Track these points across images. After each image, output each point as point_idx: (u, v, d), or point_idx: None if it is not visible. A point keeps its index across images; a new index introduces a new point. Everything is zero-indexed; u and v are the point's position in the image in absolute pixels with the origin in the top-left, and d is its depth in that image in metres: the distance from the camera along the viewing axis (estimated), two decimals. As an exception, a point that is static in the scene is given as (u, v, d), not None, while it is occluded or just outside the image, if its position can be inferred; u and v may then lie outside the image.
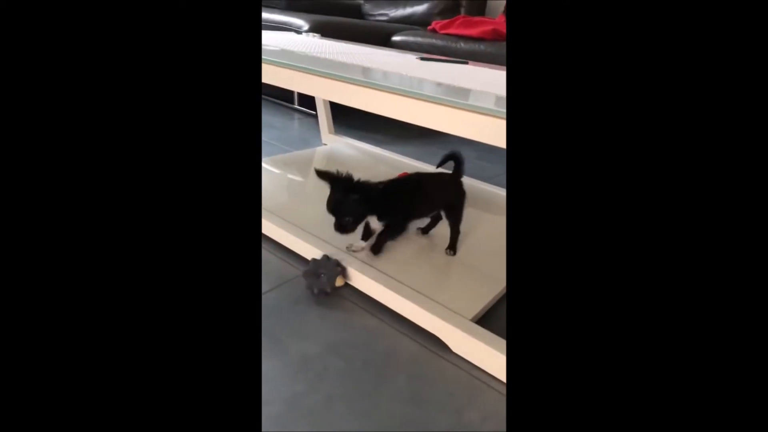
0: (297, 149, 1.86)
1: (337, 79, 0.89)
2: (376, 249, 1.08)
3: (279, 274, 1.08)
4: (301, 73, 0.95)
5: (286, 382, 0.79)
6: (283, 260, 1.14)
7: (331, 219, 0.99)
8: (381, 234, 1.07)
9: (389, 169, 1.61)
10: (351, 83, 0.87)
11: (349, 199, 0.97)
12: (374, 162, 1.71)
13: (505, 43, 2.16)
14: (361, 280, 1.00)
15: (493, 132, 0.69)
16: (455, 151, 1.14)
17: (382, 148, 1.86)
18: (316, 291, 0.98)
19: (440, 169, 1.17)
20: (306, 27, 2.10)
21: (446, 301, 0.93)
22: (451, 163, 1.15)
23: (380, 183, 1.03)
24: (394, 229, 1.08)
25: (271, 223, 1.17)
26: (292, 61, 1.00)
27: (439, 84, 0.90)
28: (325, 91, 0.92)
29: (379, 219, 1.05)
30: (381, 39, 2.34)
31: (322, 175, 0.99)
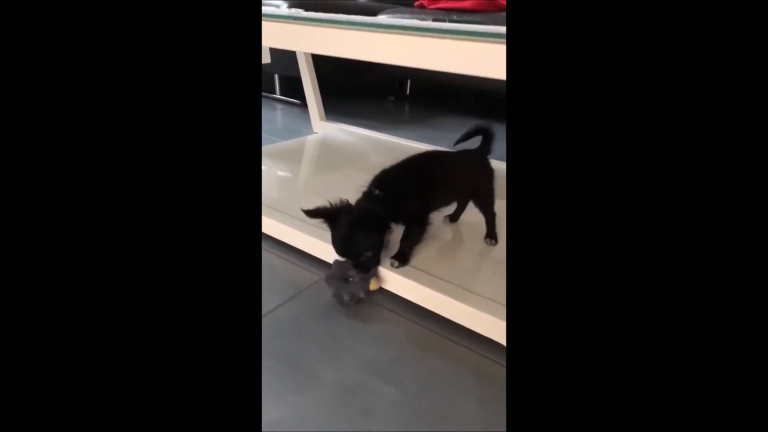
0: (285, 140, 1.66)
1: (335, 27, 0.73)
2: (403, 258, 0.85)
3: (291, 282, 0.89)
4: (296, 26, 0.77)
5: (327, 423, 0.61)
6: (295, 264, 0.95)
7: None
8: (404, 239, 0.86)
9: (389, 153, 1.42)
10: (347, 28, 0.73)
11: (359, 232, 0.79)
12: (373, 147, 1.53)
13: (502, 14, 2.00)
14: (396, 281, 0.82)
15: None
16: (483, 125, 0.96)
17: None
18: (347, 298, 0.79)
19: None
20: (285, 5, 1.89)
21: (504, 299, 0.76)
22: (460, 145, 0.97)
23: (375, 187, 0.84)
24: (417, 230, 0.87)
25: (274, 221, 0.98)
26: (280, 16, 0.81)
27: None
28: (318, 41, 0.77)
29: (397, 224, 0.87)
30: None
31: (312, 214, 0.82)
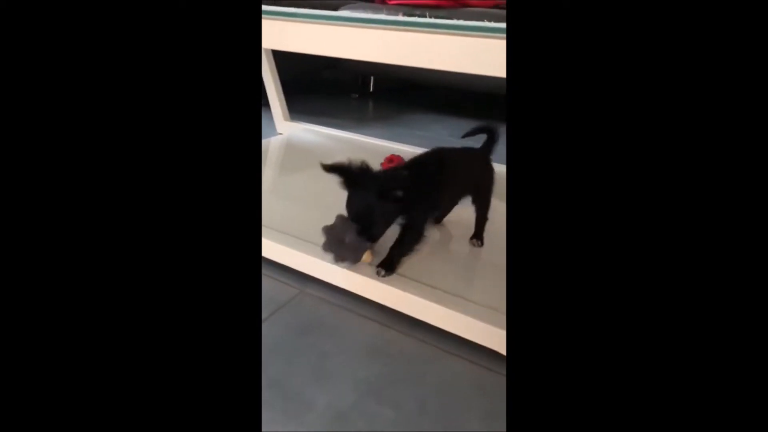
0: (248, 142, 1.57)
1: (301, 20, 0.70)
2: (391, 267, 0.78)
3: (270, 297, 0.82)
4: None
5: (323, 456, 0.55)
6: (270, 277, 0.87)
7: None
8: (395, 246, 0.79)
9: (359, 153, 1.36)
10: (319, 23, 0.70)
11: (389, 199, 0.71)
12: (342, 147, 1.46)
13: (465, 10, 1.98)
14: (384, 291, 0.76)
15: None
16: (489, 125, 0.93)
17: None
18: (346, 262, 0.76)
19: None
20: None
21: (503, 306, 0.72)
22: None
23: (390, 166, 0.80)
24: (412, 238, 0.79)
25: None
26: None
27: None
28: (286, 38, 0.74)
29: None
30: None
31: (331, 169, 0.73)
